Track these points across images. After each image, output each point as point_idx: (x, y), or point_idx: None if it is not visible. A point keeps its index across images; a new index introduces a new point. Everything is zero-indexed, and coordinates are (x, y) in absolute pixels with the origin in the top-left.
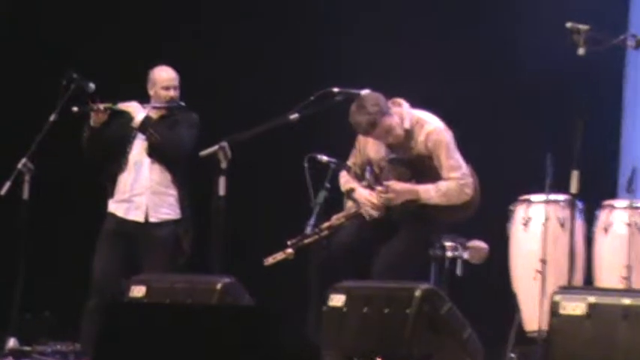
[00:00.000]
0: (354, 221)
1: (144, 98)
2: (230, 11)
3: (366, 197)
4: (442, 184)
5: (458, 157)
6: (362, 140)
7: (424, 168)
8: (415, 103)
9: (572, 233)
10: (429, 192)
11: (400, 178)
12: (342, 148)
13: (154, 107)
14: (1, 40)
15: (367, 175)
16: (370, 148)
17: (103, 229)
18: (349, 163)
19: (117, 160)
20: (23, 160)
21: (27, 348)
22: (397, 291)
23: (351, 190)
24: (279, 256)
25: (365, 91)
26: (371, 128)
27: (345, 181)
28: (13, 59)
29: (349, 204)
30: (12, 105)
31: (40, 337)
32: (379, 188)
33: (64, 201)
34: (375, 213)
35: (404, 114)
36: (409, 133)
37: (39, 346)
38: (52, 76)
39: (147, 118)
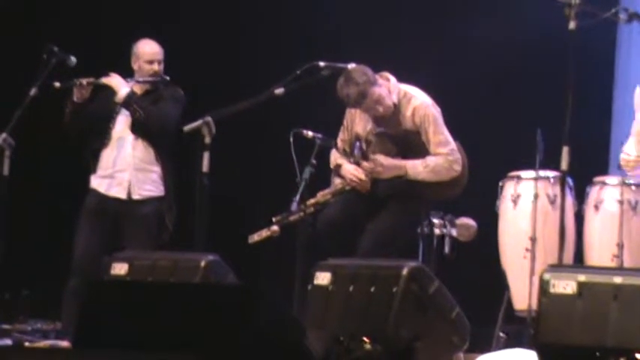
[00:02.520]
0: (340, 198)
1: (128, 72)
2: None
3: (351, 172)
4: (430, 160)
5: (446, 133)
6: (349, 117)
7: (411, 144)
8: (402, 79)
9: (562, 210)
10: (417, 167)
11: (387, 154)
12: (328, 124)
13: (138, 82)
14: None
15: (355, 151)
16: (358, 123)
17: (84, 206)
18: (338, 140)
19: (100, 136)
20: (3, 136)
21: (7, 326)
22: (384, 269)
23: (339, 167)
24: (264, 233)
25: (351, 65)
26: (361, 99)
27: (335, 158)
28: None
29: (336, 181)
30: None
31: (20, 315)
32: (365, 163)
33: (45, 177)
34: (361, 188)
35: (391, 88)
36: (396, 108)
37: (19, 324)
38: (32, 50)
39: (131, 93)
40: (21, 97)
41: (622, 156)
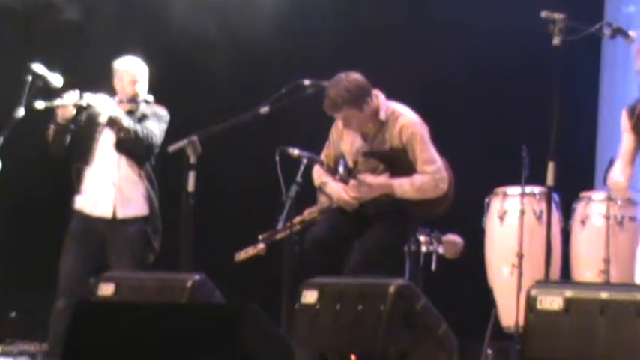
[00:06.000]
0: (327, 216)
1: (111, 92)
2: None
3: (338, 192)
4: (417, 179)
5: (432, 151)
6: (336, 133)
7: (398, 161)
8: (388, 94)
9: (548, 226)
10: (404, 186)
11: (374, 172)
12: (314, 142)
13: (121, 101)
14: None
15: (340, 169)
16: (344, 141)
17: (70, 227)
18: (322, 156)
19: (84, 156)
20: None
21: None
22: (371, 287)
23: (324, 185)
24: (250, 251)
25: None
26: (336, 108)
27: (318, 175)
28: None
29: (322, 199)
30: None
31: (7, 337)
32: (352, 182)
33: (30, 198)
34: (347, 207)
35: (380, 105)
36: (384, 125)
37: (6, 346)
38: (15, 71)
39: (114, 113)
40: (4, 118)
41: (612, 184)
